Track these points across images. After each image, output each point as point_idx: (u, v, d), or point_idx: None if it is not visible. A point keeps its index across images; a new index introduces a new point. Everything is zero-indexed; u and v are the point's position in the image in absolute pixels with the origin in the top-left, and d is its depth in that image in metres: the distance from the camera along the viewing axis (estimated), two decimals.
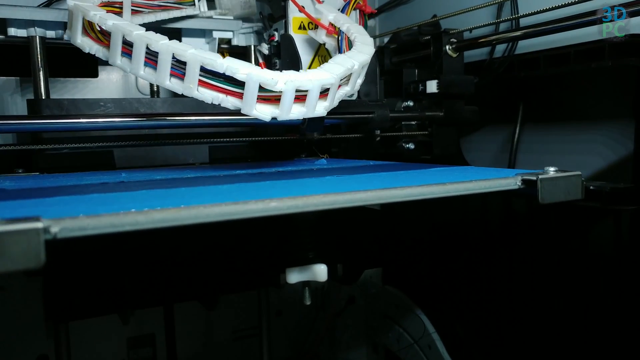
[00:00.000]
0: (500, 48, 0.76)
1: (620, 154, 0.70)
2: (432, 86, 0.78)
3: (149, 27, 0.71)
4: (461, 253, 0.82)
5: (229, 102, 0.51)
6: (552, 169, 0.45)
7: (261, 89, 0.50)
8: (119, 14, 0.67)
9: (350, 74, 0.59)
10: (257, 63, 0.77)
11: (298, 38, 0.74)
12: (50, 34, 0.69)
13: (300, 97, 0.52)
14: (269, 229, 0.55)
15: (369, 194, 0.39)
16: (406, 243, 0.64)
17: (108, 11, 0.64)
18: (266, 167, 0.62)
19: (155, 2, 0.73)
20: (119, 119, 0.63)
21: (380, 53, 0.90)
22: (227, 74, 0.49)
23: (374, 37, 1.03)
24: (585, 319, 0.64)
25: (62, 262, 0.46)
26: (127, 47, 0.54)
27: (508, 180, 0.45)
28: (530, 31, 0.67)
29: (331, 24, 0.69)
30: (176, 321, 0.87)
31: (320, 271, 0.54)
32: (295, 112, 0.52)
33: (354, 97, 0.76)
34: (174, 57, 0.51)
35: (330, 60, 0.58)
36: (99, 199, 0.40)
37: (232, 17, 0.82)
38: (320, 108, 0.54)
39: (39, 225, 0.28)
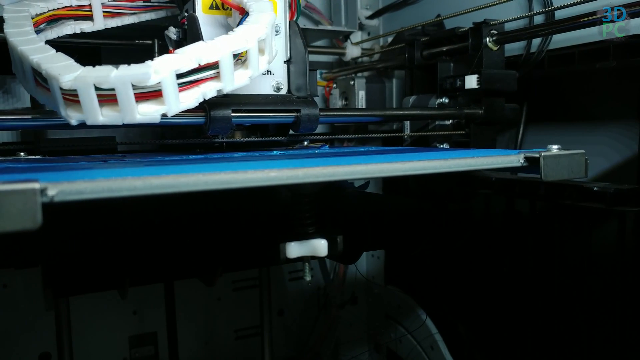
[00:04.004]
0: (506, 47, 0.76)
1: (625, 154, 0.69)
2: (471, 81, 0.71)
3: (145, 27, 0.71)
4: (464, 254, 0.82)
5: (51, 105, 0.45)
6: (555, 146, 0.45)
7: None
8: (89, 17, 0.63)
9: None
10: (167, 50, 0.66)
11: (208, 19, 0.60)
12: None
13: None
14: (270, 206, 0.55)
15: (370, 167, 0.39)
16: (407, 229, 0.63)
17: (78, 15, 0.61)
18: (268, 152, 0.61)
19: (139, 3, 0.67)
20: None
21: (410, 46, 0.84)
22: (40, 71, 0.43)
23: (378, 37, 1.02)
24: (589, 321, 0.64)
25: (61, 236, 0.46)
26: None
27: (510, 158, 0.44)
28: (572, 24, 0.61)
29: (239, 5, 0.55)
30: (178, 320, 0.87)
31: (320, 246, 0.53)
32: (108, 116, 0.43)
33: (283, 92, 0.62)
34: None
35: (179, 49, 0.45)
36: (99, 171, 0.40)
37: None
38: (148, 111, 0.44)
39: (35, 186, 0.28)
